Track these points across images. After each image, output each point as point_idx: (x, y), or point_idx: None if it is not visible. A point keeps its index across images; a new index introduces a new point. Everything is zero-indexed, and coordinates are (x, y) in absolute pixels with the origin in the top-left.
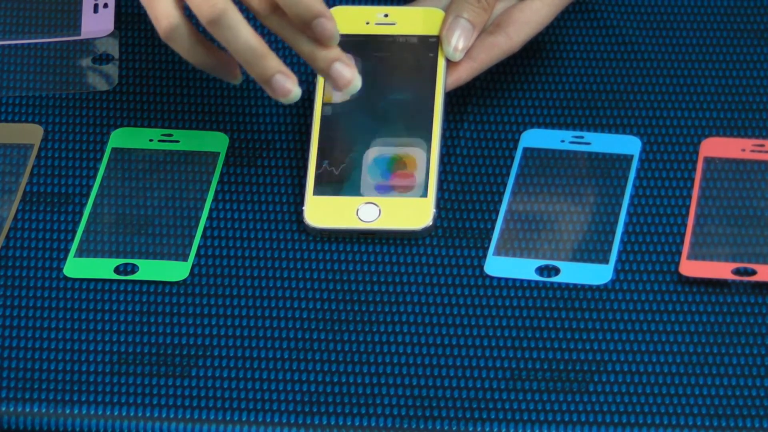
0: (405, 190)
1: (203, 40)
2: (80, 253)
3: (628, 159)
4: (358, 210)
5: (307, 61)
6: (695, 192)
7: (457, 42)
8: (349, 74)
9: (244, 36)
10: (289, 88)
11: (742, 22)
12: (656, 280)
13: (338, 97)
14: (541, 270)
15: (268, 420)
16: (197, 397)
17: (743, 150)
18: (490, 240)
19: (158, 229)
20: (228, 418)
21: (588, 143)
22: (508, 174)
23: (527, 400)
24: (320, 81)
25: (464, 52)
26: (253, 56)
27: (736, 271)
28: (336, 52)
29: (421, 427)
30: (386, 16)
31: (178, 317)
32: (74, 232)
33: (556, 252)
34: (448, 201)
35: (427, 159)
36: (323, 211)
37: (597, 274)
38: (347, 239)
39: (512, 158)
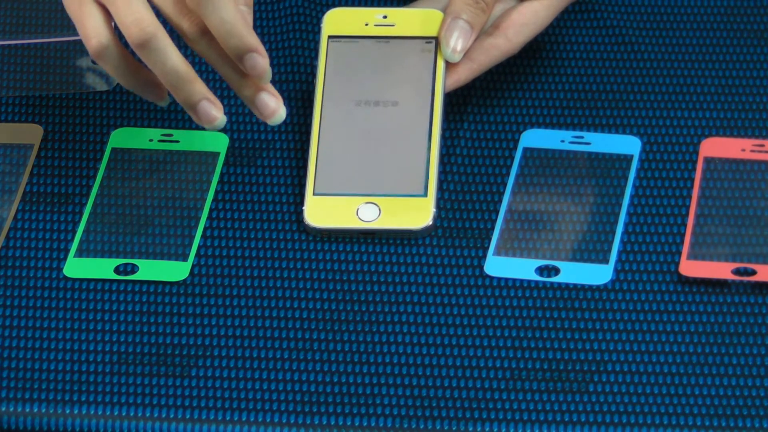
0: None
1: (132, 61)
2: (80, 253)
3: (628, 159)
4: (358, 210)
5: (232, 87)
6: (695, 192)
7: (455, 43)
8: (274, 104)
9: (171, 60)
10: (215, 115)
11: (742, 22)
12: (656, 280)
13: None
14: (541, 270)
15: (268, 420)
16: (197, 397)
17: (743, 150)
18: (490, 240)
19: (158, 229)
20: (228, 418)
21: (588, 143)
22: (508, 174)
23: (527, 400)
24: (319, 81)
25: (463, 54)
26: (179, 81)
27: (736, 271)
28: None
29: (421, 427)
30: (385, 17)
31: (178, 317)
32: (74, 232)
33: (556, 252)
34: (448, 201)
35: (428, 159)
36: (323, 211)
37: (597, 274)
38: (347, 239)
39: (512, 158)
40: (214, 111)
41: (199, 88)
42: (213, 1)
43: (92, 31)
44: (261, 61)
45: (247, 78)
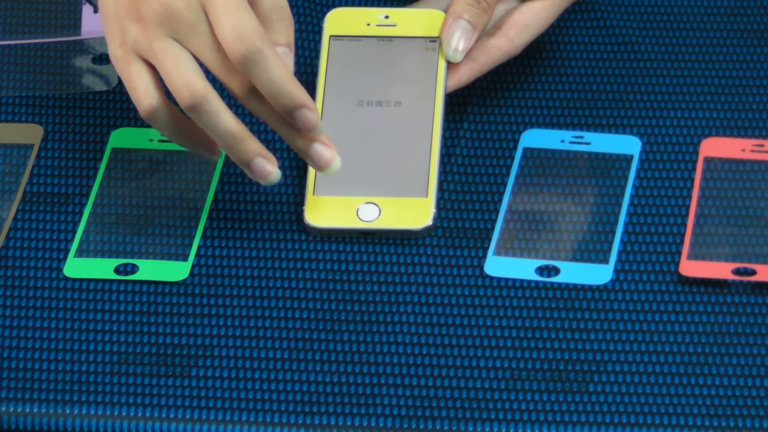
0: None
1: (184, 120)
2: (80, 253)
3: (628, 159)
4: (358, 210)
5: (285, 140)
6: (695, 192)
7: (457, 43)
8: (328, 154)
9: (223, 122)
10: (269, 170)
11: (742, 22)
12: (656, 280)
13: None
14: (541, 270)
15: (268, 420)
16: (197, 397)
17: (743, 150)
18: (490, 240)
19: (158, 229)
20: (228, 418)
21: (588, 143)
22: (508, 174)
23: (527, 400)
24: (321, 81)
25: (464, 54)
26: (233, 141)
27: (736, 271)
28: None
29: (421, 427)
30: (387, 17)
31: (178, 317)
32: (74, 232)
33: (556, 252)
34: (448, 201)
35: (428, 159)
36: (323, 211)
37: (597, 274)
38: (347, 239)
39: (512, 158)
40: (269, 166)
41: (252, 145)
42: (259, 63)
43: (142, 92)
44: (311, 116)
45: (298, 131)
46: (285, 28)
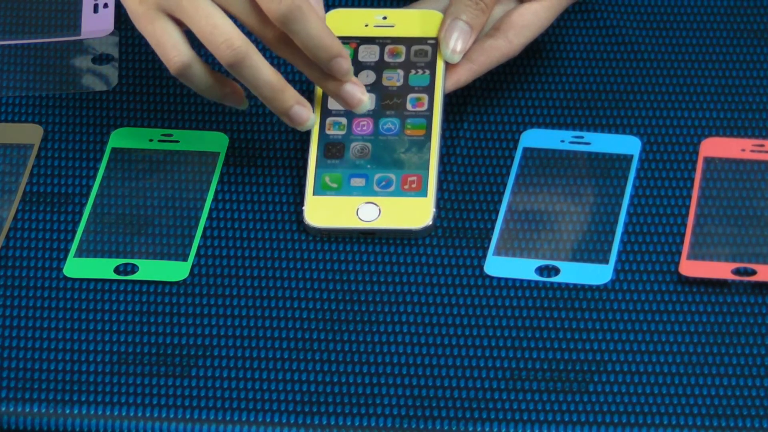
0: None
1: (214, 74)
2: (80, 253)
3: (628, 159)
4: (358, 210)
5: (316, 83)
6: (695, 192)
7: (455, 44)
8: (359, 93)
9: (265, 74)
10: (306, 116)
11: (742, 22)
12: (656, 280)
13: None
14: (541, 270)
15: (268, 420)
16: (197, 397)
17: (743, 150)
18: (490, 240)
19: (158, 229)
20: (228, 418)
21: (588, 143)
22: (508, 174)
23: (527, 400)
24: None
25: (462, 54)
26: (272, 92)
27: (736, 271)
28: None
29: (421, 427)
30: (385, 18)
31: (178, 317)
32: (74, 232)
33: (556, 252)
34: (448, 201)
35: (428, 159)
36: (323, 211)
37: (597, 274)
38: (347, 239)
39: (512, 158)
40: (305, 113)
41: (290, 94)
42: (299, 20)
43: (172, 50)
44: (345, 63)
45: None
46: None
